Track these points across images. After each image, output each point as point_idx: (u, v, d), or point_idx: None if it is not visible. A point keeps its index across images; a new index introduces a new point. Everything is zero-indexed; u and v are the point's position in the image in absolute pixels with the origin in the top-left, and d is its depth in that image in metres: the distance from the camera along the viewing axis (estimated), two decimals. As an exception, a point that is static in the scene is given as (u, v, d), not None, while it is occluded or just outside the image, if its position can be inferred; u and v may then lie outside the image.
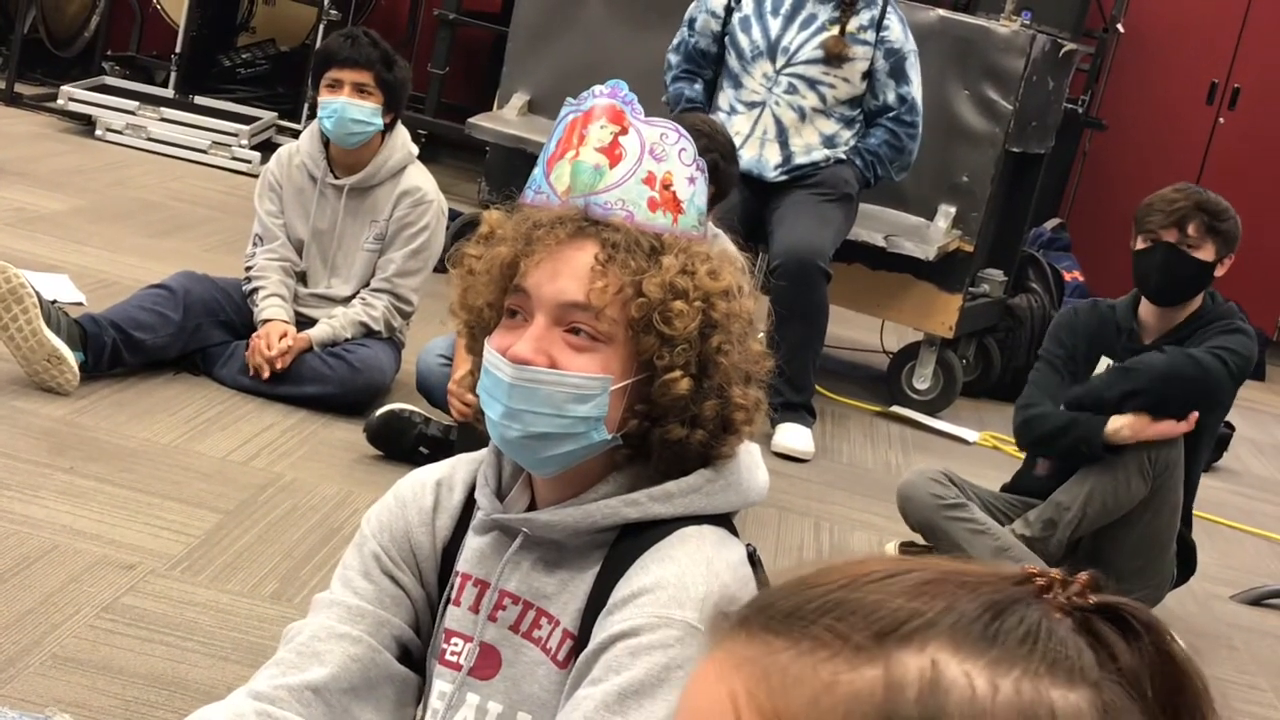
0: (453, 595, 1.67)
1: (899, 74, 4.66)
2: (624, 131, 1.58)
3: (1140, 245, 3.58)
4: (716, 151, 3.62)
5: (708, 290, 1.55)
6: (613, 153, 1.57)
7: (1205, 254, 3.53)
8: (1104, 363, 3.67)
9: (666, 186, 1.57)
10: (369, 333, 4.10)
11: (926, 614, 0.63)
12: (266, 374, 3.94)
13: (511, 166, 5.55)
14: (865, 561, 0.69)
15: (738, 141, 4.65)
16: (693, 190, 1.60)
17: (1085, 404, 3.55)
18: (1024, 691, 0.62)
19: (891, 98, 4.66)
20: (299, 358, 4.00)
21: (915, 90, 4.69)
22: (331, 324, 4.06)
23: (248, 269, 4.15)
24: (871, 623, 0.63)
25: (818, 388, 4.91)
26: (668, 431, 1.57)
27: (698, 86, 4.79)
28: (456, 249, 1.65)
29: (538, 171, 1.60)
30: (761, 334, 1.68)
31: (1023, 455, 3.92)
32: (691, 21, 4.79)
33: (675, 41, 4.83)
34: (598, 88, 1.61)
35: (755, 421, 1.61)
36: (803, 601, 0.65)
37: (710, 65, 4.79)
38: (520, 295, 1.55)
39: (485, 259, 1.58)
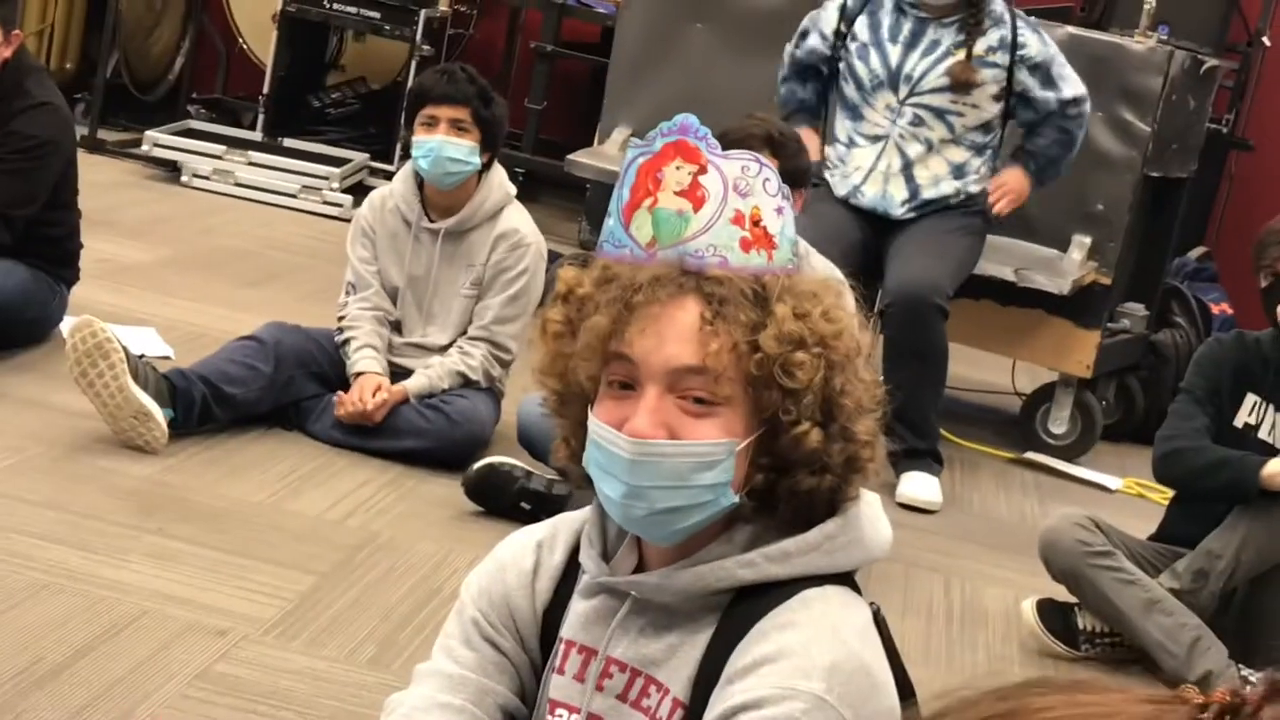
0: (557, 663, 1.67)
1: (1050, 82, 4.64)
2: (703, 170, 1.56)
3: (1263, 283, 3.56)
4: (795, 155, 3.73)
5: (824, 334, 1.54)
6: (694, 195, 1.55)
7: None
8: (1250, 398, 3.62)
9: (756, 223, 1.56)
10: (467, 383, 4.14)
11: None
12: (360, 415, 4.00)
13: (614, 204, 5.57)
14: (1012, 709, 0.66)
15: (859, 177, 4.65)
16: (783, 221, 1.58)
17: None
18: None
19: (1054, 106, 4.65)
20: (394, 410, 4.05)
21: (1072, 87, 4.65)
22: (428, 374, 4.11)
23: (340, 319, 4.21)
24: None
25: (944, 433, 4.88)
26: (797, 483, 1.56)
27: (810, 87, 4.79)
28: (560, 280, 1.64)
29: (613, 223, 1.58)
30: (880, 376, 1.67)
31: (1166, 502, 3.87)
32: (804, 34, 4.78)
33: (794, 43, 4.82)
34: (665, 125, 1.59)
35: (878, 456, 1.61)
36: None
37: (817, 76, 4.79)
38: (625, 364, 1.54)
39: (583, 331, 1.55)
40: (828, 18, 4.75)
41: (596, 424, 1.56)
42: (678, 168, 1.56)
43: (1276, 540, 3.45)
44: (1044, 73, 4.63)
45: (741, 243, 1.55)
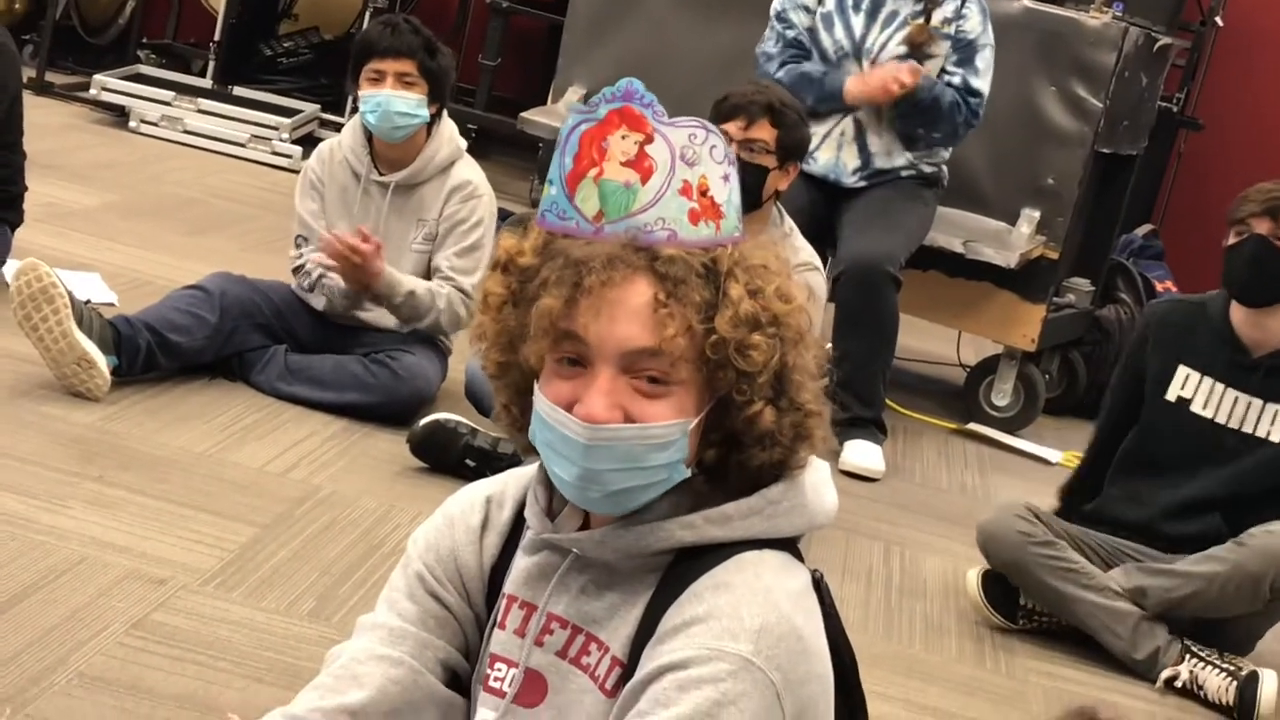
0: (499, 617, 1.68)
1: (968, 63, 4.63)
2: (649, 139, 1.53)
3: (1231, 240, 3.52)
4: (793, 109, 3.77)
5: (778, 313, 1.54)
6: (641, 165, 1.53)
7: None
8: (1181, 371, 3.62)
9: (704, 193, 1.54)
10: (421, 314, 4.07)
11: None
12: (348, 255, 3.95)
13: (566, 164, 5.55)
14: None
15: (814, 143, 4.63)
16: (729, 189, 1.56)
17: None
18: None
19: (957, 83, 4.62)
20: (339, 364, 4.05)
21: (981, 81, 4.64)
22: (401, 275, 4.05)
23: (298, 268, 4.17)
24: None
25: (889, 403, 4.90)
26: (750, 458, 1.57)
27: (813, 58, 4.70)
28: (499, 246, 1.62)
29: (555, 192, 1.55)
30: (829, 345, 1.67)
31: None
32: (781, 15, 4.69)
33: (769, 41, 4.70)
34: (609, 90, 1.55)
35: (825, 423, 1.61)
36: None
37: (809, 55, 4.73)
38: (575, 343, 1.52)
39: (535, 315, 1.53)
40: None
41: (546, 404, 1.55)
42: (623, 136, 1.53)
43: (1220, 609, 3.49)
44: (966, 51, 4.63)
45: (690, 214, 1.53)
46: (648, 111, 1.54)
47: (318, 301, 4.15)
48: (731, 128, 3.62)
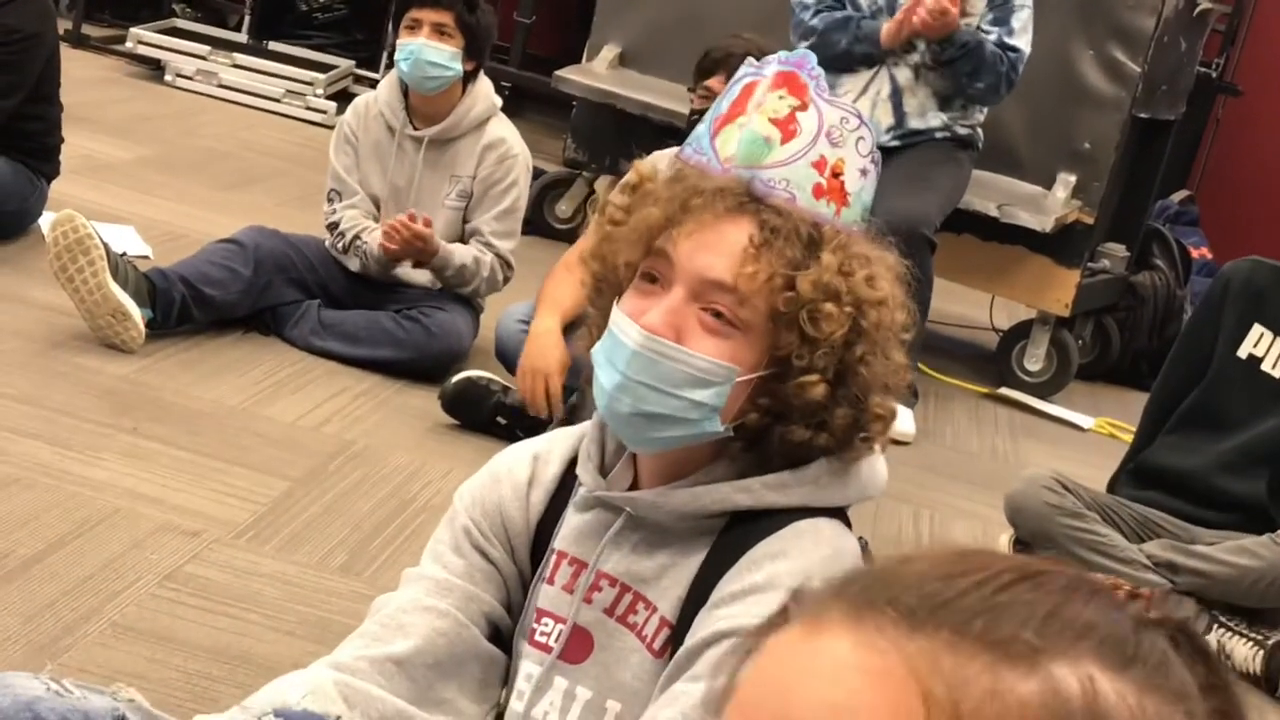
0: (547, 573, 1.69)
1: (1003, 21, 4.57)
2: (803, 107, 1.57)
3: None
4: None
5: (861, 297, 1.55)
6: (786, 127, 1.56)
7: None
8: (1256, 329, 3.59)
9: (836, 175, 1.57)
10: (466, 281, 4.09)
11: (1075, 625, 0.67)
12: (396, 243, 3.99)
13: (599, 123, 5.55)
14: (990, 557, 0.70)
15: (848, 100, 4.59)
16: (863, 184, 1.60)
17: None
18: (1164, 718, 0.66)
19: (992, 39, 4.56)
20: (372, 319, 4.05)
21: (1019, 40, 4.58)
22: (451, 247, 4.08)
23: (333, 225, 4.17)
24: (1025, 628, 0.66)
25: (921, 366, 4.89)
26: (790, 432, 1.57)
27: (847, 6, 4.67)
28: (600, 196, 1.65)
29: (703, 129, 1.60)
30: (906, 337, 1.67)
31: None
32: None
33: None
34: (784, 54, 1.60)
35: (888, 431, 1.62)
36: (953, 596, 0.67)
37: (844, 7, 4.69)
38: (662, 260, 1.55)
39: (635, 218, 1.57)
40: None
41: (617, 313, 1.57)
42: (780, 97, 1.57)
43: (1249, 600, 3.48)
44: (1002, 10, 4.57)
45: (815, 188, 1.56)
46: (812, 83, 1.59)
47: (352, 263, 4.15)
48: (714, 83, 3.62)
